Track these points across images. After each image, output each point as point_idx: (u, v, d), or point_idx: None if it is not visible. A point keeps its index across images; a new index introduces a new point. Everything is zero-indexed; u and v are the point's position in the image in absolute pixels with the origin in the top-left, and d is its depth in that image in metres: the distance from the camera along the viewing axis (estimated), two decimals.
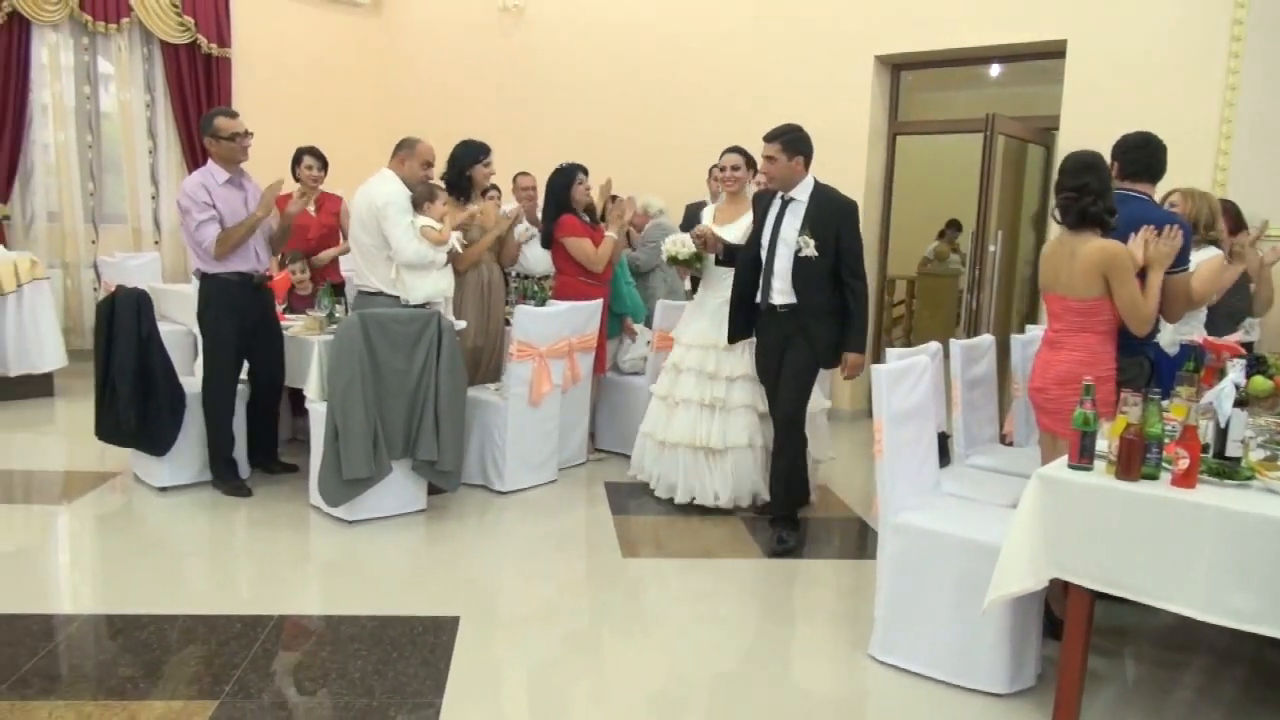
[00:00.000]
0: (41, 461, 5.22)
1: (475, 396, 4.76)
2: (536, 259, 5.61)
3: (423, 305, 4.49)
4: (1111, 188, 3.15)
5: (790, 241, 4.08)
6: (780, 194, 4.18)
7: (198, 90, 8.39)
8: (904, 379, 3.05)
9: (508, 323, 5.07)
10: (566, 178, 5.20)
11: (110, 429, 4.45)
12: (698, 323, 4.66)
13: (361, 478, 4.10)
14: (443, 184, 4.87)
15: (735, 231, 4.49)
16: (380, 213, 4.44)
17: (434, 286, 4.56)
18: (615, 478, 5.15)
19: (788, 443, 4.24)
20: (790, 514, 4.31)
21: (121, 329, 4.35)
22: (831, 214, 4.09)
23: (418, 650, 3.03)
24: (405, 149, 4.64)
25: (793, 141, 4.11)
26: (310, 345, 4.55)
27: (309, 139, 5.94)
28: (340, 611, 3.34)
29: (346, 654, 3.00)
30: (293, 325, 4.87)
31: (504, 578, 3.84)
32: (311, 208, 5.54)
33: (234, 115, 4.49)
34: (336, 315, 4.83)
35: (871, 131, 6.62)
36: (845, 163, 6.63)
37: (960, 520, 2.98)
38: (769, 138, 4.15)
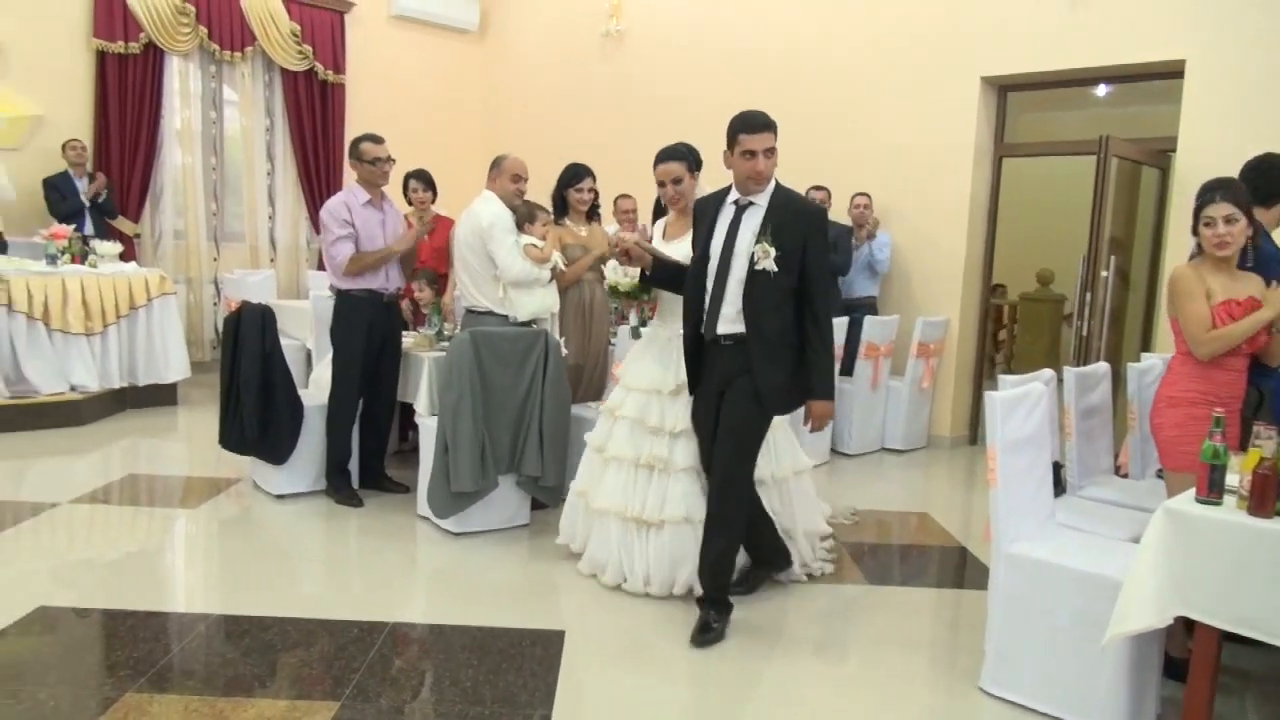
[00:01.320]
0: (166, 467, 5.50)
1: (578, 414, 4.83)
2: None
3: (529, 322, 4.60)
4: None
5: (745, 253, 3.24)
6: (733, 197, 3.35)
7: (314, 115, 8.77)
8: (1019, 406, 3.00)
9: (611, 343, 5.15)
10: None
11: (234, 438, 4.67)
12: (642, 361, 3.86)
13: (469, 491, 4.21)
14: (546, 204, 4.98)
15: (685, 248, 3.67)
16: (486, 233, 4.57)
17: (540, 303, 4.66)
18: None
19: (720, 515, 3.33)
20: (719, 596, 3.41)
21: (247, 343, 4.56)
22: (797, 221, 3.24)
23: (526, 662, 3.10)
24: (495, 167, 4.78)
25: (776, 128, 3.37)
26: (421, 361, 4.70)
27: (418, 161, 6.15)
28: (449, 621, 3.43)
29: (458, 663, 3.09)
30: (404, 341, 5.04)
31: (607, 595, 3.87)
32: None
33: (379, 141, 4.68)
34: (446, 333, 4.97)
35: (977, 153, 6.52)
36: (949, 186, 6.56)
37: (1077, 553, 2.91)
38: (761, 126, 3.32)
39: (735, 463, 3.32)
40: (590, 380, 5.19)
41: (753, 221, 3.26)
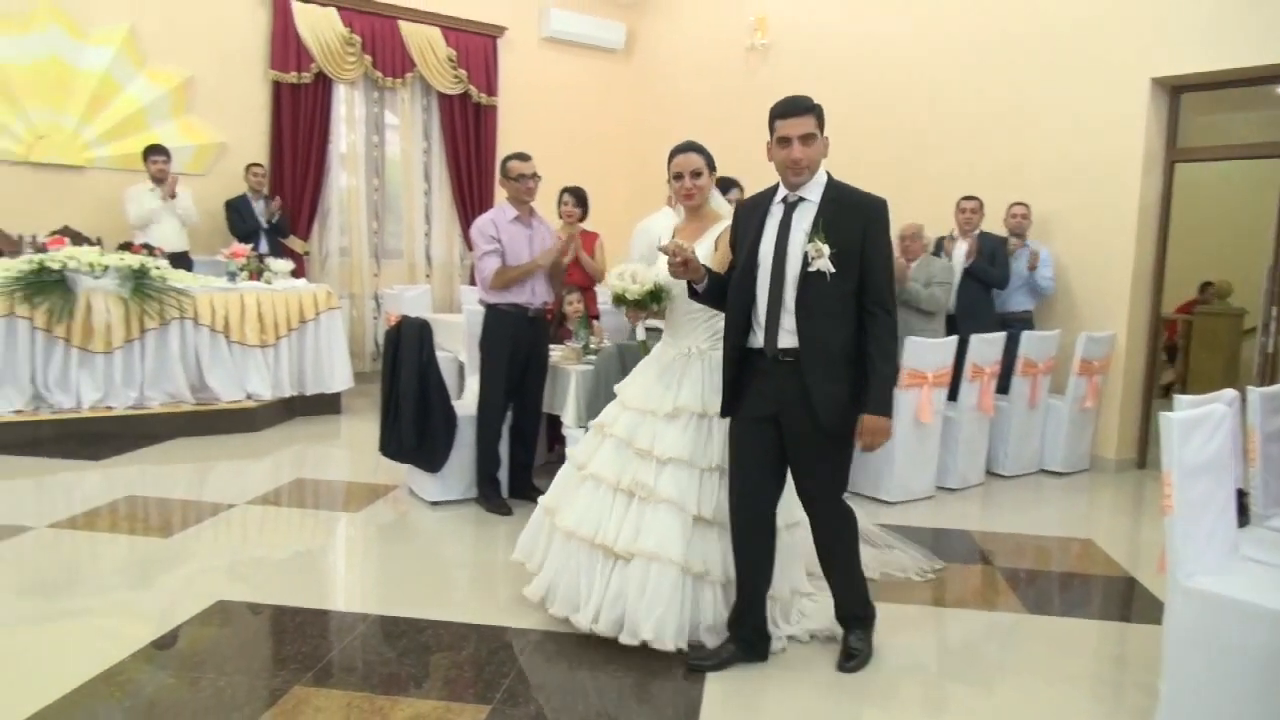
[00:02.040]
0: (330, 472, 5.80)
1: None
2: None
3: None
4: None
5: (798, 254, 2.94)
6: (781, 195, 3.05)
7: (468, 136, 9.12)
8: (1198, 429, 2.79)
9: None
10: None
11: (393, 446, 4.88)
12: (643, 378, 3.47)
13: None
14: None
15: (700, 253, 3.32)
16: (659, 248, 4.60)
17: None
18: (859, 517, 5.02)
19: (827, 547, 3.18)
20: (860, 613, 3.26)
21: (406, 355, 4.77)
22: (853, 214, 2.94)
23: (672, 677, 3.09)
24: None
25: (822, 113, 3.07)
26: (568, 374, 4.80)
27: (567, 178, 6.29)
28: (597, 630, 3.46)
29: (605, 673, 3.11)
30: (552, 355, 5.15)
31: None
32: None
33: (525, 159, 4.82)
34: (592, 346, 5.06)
35: (1146, 159, 6.14)
36: (1116, 193, 6.21)
37: (1266, 588, 2.68)
38: (797, 109, 3.04)
39: (828, 496, 3.10)
40: None
41: (804, 219, 2.95)
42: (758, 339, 3.01)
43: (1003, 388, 5.98)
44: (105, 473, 5.31)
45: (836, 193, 3.00)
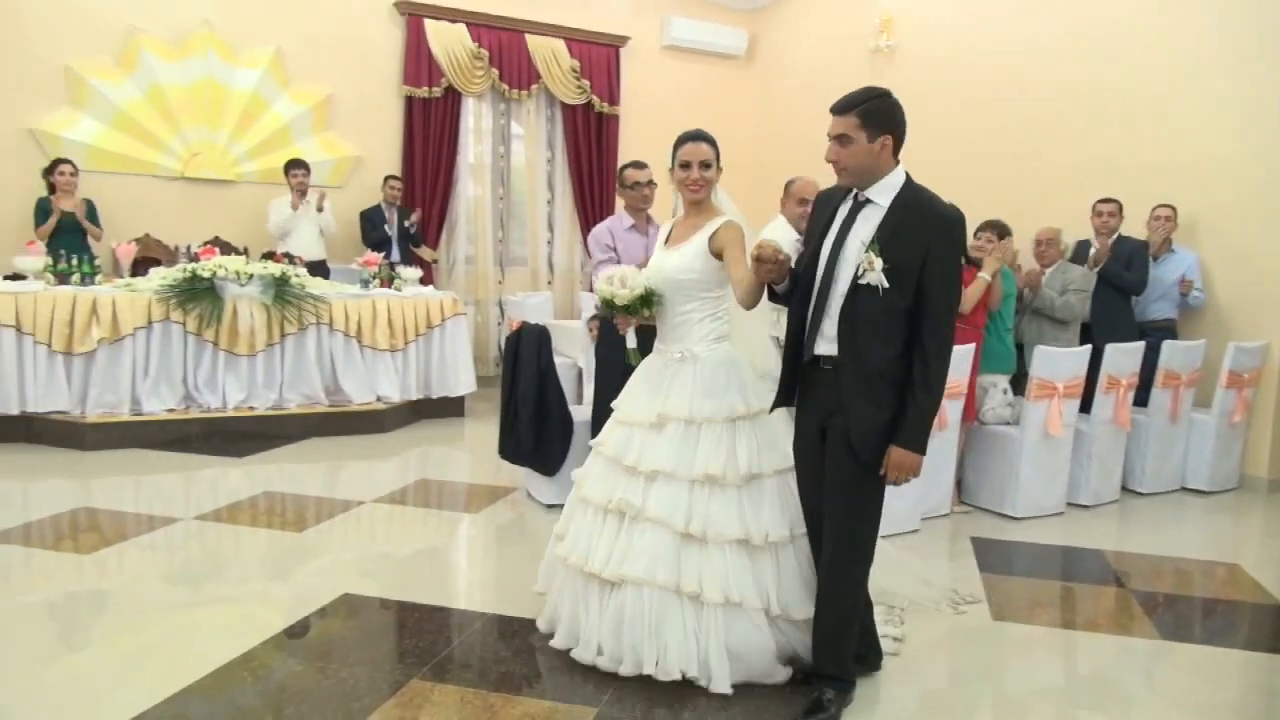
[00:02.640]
0: (453, 474, 5.99)
1: None
2: None
3: None
4: None
5: (853, 259, 2.73)
6: (854, 192, 2.84)
7: (590, 145, 9.27)
8: None
9: None
10: None
11: (511, 449, 5.00)
12: (633, 390, 3.29)
13: None
14: None
15: (683, 259, 3.17)
16: None
17: None
18: (983, 533, 4.88)
19: (828, 579, 2.86)
20: (837, 674, 2.92)
21: (525, 360, 4.89)
22: (921, 227, 2.69)
23: (779, 687, 3.06)
24: (784, 191, 4.78)
25: (877, 112, 2.80)
26: None
27: None
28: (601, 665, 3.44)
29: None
30: None
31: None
32: None
33: (641, 166, 4.87)
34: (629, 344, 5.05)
35: None
36: (1270, 194, 5.80)
37: None
38: (841, 108, 2.82)
39: (846, 522, 2.79)
40: None
41: (868, 224, 2.73)
42: (805, 342, 2.85)
43: (1141, 400, 5.67)
44: (246, 469, 5.63)
45: (912, 199, 2.75)
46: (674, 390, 3.12)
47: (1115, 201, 5.97)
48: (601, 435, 3.31)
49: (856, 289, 2.70)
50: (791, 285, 2.87)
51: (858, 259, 2.69)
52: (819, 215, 2.93)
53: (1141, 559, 4.63)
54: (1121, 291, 5.86)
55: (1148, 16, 6.47)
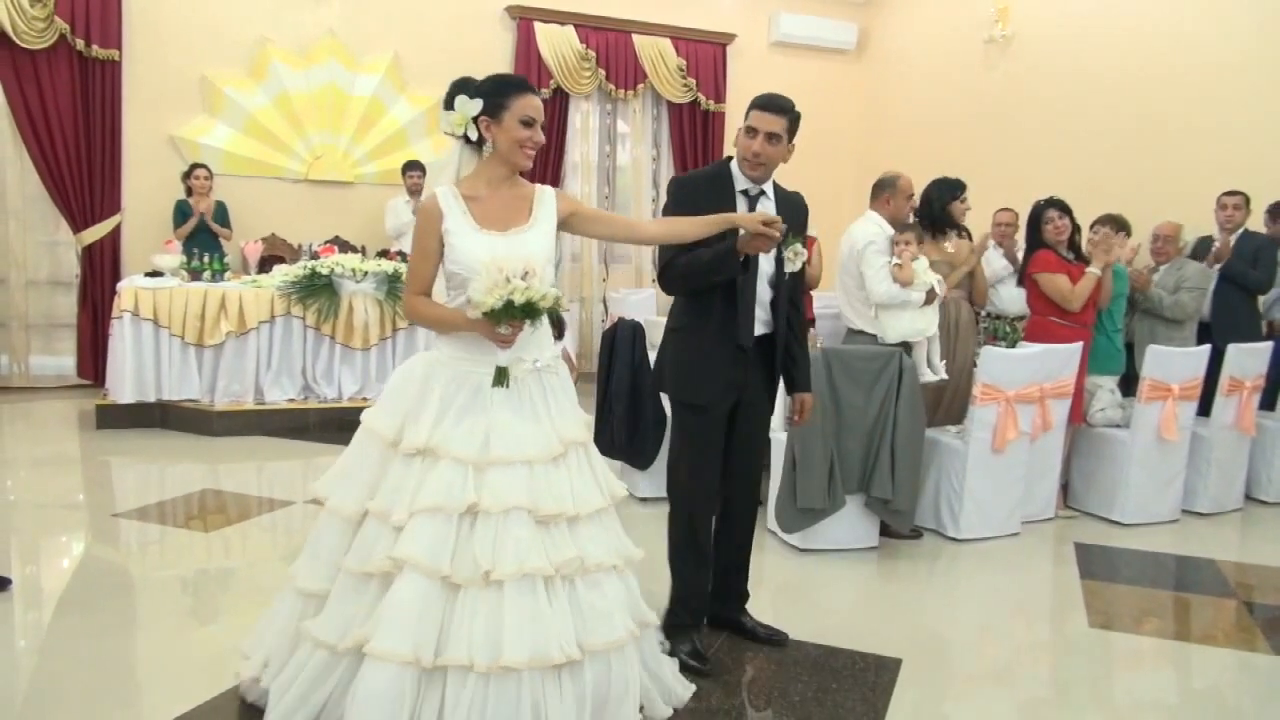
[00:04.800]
0: None
1: (934, 438, 4.66)
2: (1010, 298, 5.38)
3: (899, 345, 4.49)
4: None
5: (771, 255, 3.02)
6: (741, 186, 3.08)
7: (695, 144, 9.31)
8: None
9: (975, 364, 4.91)
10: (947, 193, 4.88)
11: (606, 443, 5.08)
12: (503, 418, 2.52)
13: (816, 508, 4.23)
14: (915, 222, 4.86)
15: (537, 240, 2.62)
16: (860, 254, 4.57)
17: (909, 326, 4.52)
18: (1087, 538, 4.71)
19: (752, 515, 3.40)
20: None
21: (620, 356, 4.97)
22: (796, 213, 3.15)
23: (858, 686, 3.05)
24: (888, 188, 4.69)
25: (796, 121, 3.07)
26: None
27: (795, 181, 6.18)
28: (788, 634, 3.46)
29: (789, 676, 3.12)
30: None
31: (953, 628, 3.70)
32: None
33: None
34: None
35: None
36: None
37: None
38: (776, 109, 3.00)
39: (759, 471, 3.42)
40: (951, 402, 4.98)
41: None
42: (737, 331, 3.03)
43: (1267, 404, 5.36)
44: None
45: (783, 191, 3.17)
46: (556, 409, 2.61)
47: (1241, 194, 5.65)
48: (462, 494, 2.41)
49: (780, 277, 3.08)
50: (744, 270, 2.98)
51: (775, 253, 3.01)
52: (701, 205, 2.93)
53: (1264, 571, 4.39)
54: (1246, 290, 5.54)
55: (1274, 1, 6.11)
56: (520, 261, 2.40)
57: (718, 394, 3.08)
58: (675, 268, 3.02)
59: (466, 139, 2.60)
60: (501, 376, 2.51)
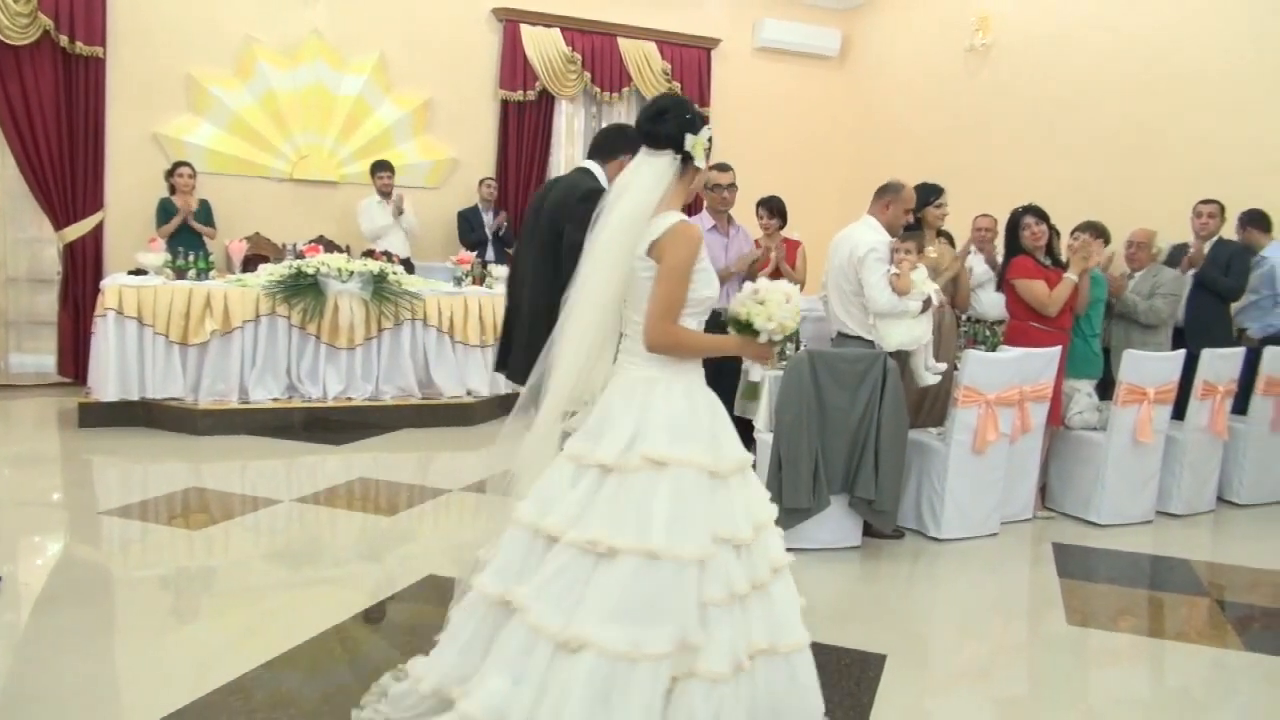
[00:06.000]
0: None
1: (916, 439, 4.73)
2: (990, 303, 5.46)
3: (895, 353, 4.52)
4: None
5: None
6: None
7: None
8: None
9: (955, 367, 4.98)
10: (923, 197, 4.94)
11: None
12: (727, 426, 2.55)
13: (801, 508, 4.29)
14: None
15: None
16: (861, 260, 4.51)
17: (907, 334, 4.48)
18: (1064, 539, 4.80)
19: None
20: None
21: None
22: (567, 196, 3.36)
23: (842, 681, 3.11)
24: (891, 194, 4.60)
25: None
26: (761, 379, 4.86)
27: (777, 186, 6.34)
28: None
29: None
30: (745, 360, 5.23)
31: (935, 626, 3.77)
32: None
33: (724, 169, 4.91)
34: (786, 353, 5.09)
35: None
36: None
37: None
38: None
39: None
40: (933, 405, 5.06)
41: None
42: None
43: (1240, 408, 5.48)
44: (343, 457, 5.91)
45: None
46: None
47: (1216, 203, 5.77)
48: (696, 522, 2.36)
49: None
50: None
51: None
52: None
53: (1235, 571, 4.50)
54: (1219, 296, 5.66)
55: (1252, 11, 6.23)
56: (778, 285, 2.56)
57: None
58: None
59: (685, 160, 2.49)
60: (757, 390, 2.70)
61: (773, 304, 2.50)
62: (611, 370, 2.52)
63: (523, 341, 3.40)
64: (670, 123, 2.45)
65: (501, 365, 3.77)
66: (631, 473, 2.33)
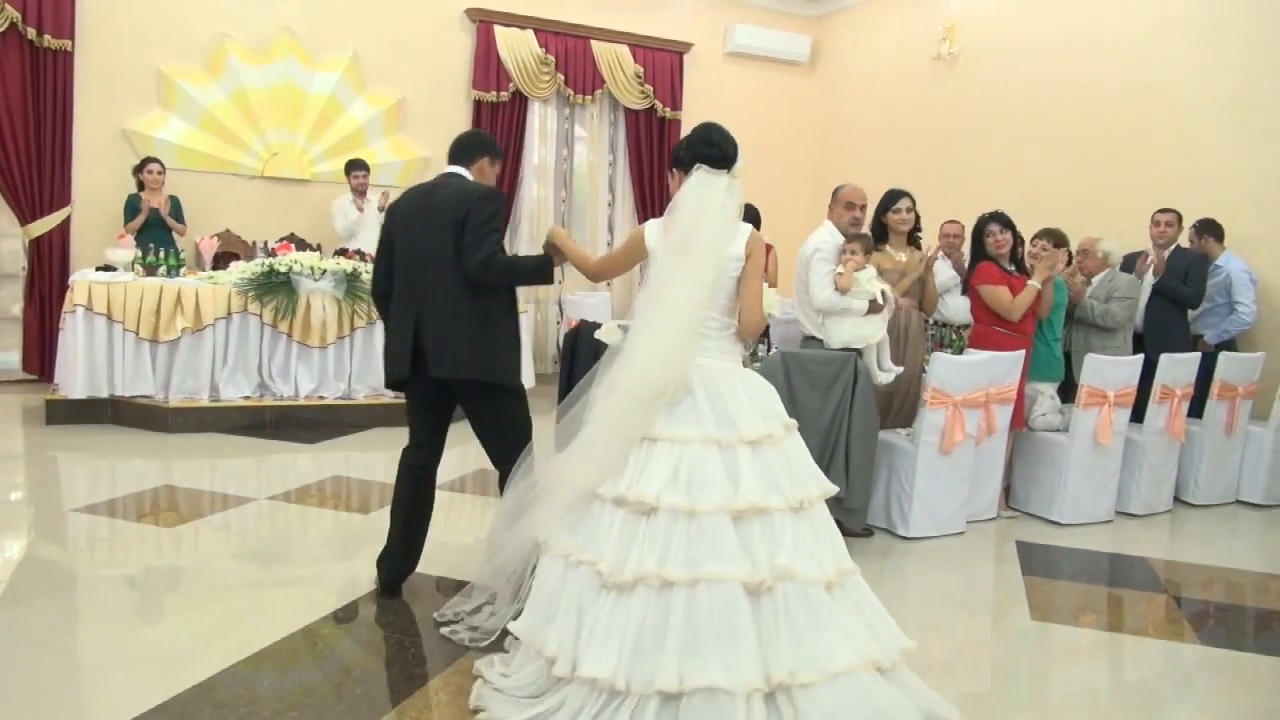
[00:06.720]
0: None
1: (886, 440, 4.83)
2: (956, 308, 5.57)
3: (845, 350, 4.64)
4: None
5: None
6: None
7: (651, 149, 9.44)
8: None
9: (925, 369, 5.09)
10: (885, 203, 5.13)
11: (564, 444, 5.16)
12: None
13: None
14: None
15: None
16: (808, 260, 4.73)
17: (851, 333, 4.63)
18: (1028, 537, 4.91)
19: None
20: None
21: (582, 358, 5.06)
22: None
23: None
24: (833, 196, 4.91)
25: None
26: None
27: (749, 190, 6.32)
28: None
29: None
30: None
31: (903, 622, 3.77)
32: None
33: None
34: (759, 354, 5.17)
35: None
36: None
37: None
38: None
39: None
40: (902, 406, 5.16)
41: None
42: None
43: (1197, 412, 5.64)
44: (315, 455, 5.90)
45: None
46: None
47: (1174, 212, 5.94)
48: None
49: None
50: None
51: None
52: None
53: (1191, 568, 4.64)
54: (1178, 304, 5.82)
55: (1215, 24, 6.42)
56: None
57: None
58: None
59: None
60: None
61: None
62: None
63: (441, 332, 3.44)
64: (731, 148, 2.98)
65: (409, 367, 3.62)
66: (779, 441, 2.81)
